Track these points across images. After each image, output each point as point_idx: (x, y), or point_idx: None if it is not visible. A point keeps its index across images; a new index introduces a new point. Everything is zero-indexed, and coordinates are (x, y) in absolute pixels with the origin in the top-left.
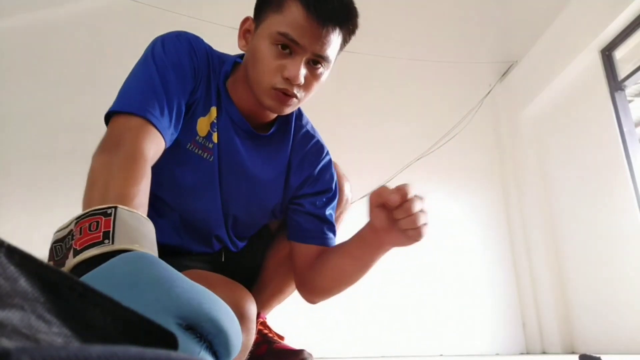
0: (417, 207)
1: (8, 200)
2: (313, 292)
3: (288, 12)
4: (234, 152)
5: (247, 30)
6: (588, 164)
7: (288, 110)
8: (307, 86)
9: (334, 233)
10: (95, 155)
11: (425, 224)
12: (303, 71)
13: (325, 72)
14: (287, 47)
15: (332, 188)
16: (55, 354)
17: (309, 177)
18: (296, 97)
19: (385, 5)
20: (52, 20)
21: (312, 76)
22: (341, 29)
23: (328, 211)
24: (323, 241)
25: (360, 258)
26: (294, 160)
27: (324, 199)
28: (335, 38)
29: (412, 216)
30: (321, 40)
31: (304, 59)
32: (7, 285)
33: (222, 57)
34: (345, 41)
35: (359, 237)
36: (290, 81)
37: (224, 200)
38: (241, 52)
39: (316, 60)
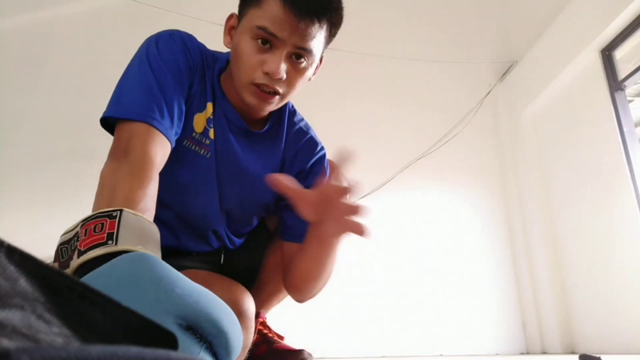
0: (342, 196)
1: (8, 200)
2: (292, 291)
3: (266, 6)
4: (229, 149)
5: (232, 27)
6: (588, 163)
7: (269, 108)
8: (289, 81)
9: None
10: (104, 165)
11: (354, 214)
12: (284, 66)
13: (309, 68)
14: (267, 41)
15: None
16: (55, 354)
17: (301, 172)
18: (278, 93)
19: (386, 5)
20: (52, 20)
21: (295, 71)
22: (321, 21)
23: None
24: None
25: (315, 255)
26: (287, 156)
27: None
28: (316, 30)
29: (338, 207)
30: (300, 32)
31: (284, 53)
32: (7, 285)
33: (215, 55)
34: (330, 35)
35: (309, 235)
36: (270, 76)
37: (220, 196)
38: None
39: (299, 55)
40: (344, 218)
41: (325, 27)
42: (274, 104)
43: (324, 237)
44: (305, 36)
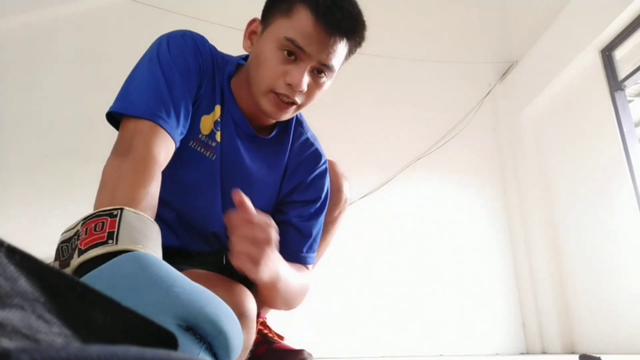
0: (241, 232)
1: (8, 200)
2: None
3: (297, 18)
4: (235, 153)
5: (253, 32)
6: (588, 164)
7: (285, 117)
8: (308, 94)
9: (314, 250)
10: (107, 161)
11: (242, 255)
12: (306, 79)
13: (327, 82)
14: (292, 53)
15: (321, 197)
16: (55, 354)
17: (300, 184)
18: (295, 103)
19: (386, 5)
20: (52, 20)
21: (315, 85)
22: (348, 40)
23: (313, 225)
24: (299, 260)
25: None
26: (290, 166)
27: (312, 210)
28: (341, 48)
29: (239, 240)
30: (327, 49)
31: (308, 66)
32: (7, 285)
33: (225, 58)
34: (350, 52)
35: None
36: (293, 87)
37: (223, 198)
38: (244, 53)
39: (320, 70)
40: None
41: (349, 46)
42: (289, 114)
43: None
44: (330, 53)
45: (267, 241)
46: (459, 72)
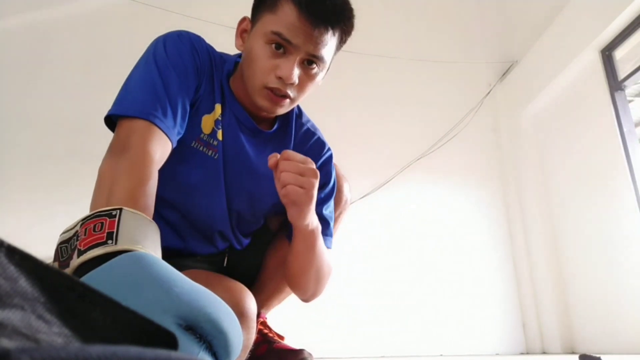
0: (283, 167)
1: (8, 200)
2: (291, 288)
3: (282, 12)
4: (239, 149)
5: (244, 30)
6: (588, 164)
7: (281, 111)
8: (301, 86)
9: (328, 234)
10: (103, 160)
11: (290, 185)
12: (296, 71)
13: (320, 73)
14: (281, 46)
15: (329, 182)
16: (55, 354)
17: None
18: (289, 97)
19: (386, 5)
20: (52, 20)
21: (307, 76)
22: (335, 29)
23: (324, 208)
24: None
25: (297, 249)
26: None
27: (322, 195)
28: (329, 38)
29: (279, 178)
30: (314, 40)
31: (297, 58)
32: (7, 285)
33: (223, 57)
34: (341, 41)
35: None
36: (284, 80)
37: (228, 196)
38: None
39: (311, 61)
40: (282, 191)
41: (337, 35)
42: (285, 107)
43: (294, 224)
44: (318, 44)
45: (314, 174)
46: (459, 72)
